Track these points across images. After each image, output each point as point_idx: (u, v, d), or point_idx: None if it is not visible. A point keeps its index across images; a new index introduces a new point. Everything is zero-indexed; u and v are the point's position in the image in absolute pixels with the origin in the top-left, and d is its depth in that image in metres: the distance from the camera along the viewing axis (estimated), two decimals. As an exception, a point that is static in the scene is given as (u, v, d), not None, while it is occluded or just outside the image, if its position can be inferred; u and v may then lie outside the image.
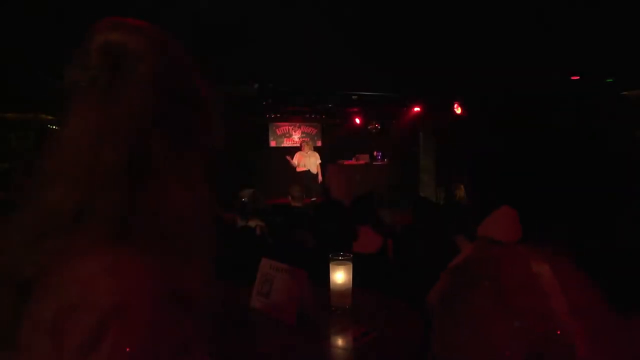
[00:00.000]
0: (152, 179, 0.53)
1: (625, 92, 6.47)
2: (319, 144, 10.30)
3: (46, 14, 3.77)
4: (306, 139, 9.35)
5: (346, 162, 9.04)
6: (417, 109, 8.74)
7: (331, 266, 1.51)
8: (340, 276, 1.50)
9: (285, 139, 10.34)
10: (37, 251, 0.49)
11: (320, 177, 8.40)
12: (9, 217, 0.53)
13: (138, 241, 0.51)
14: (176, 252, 0.53)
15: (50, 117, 7.76)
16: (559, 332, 0.48)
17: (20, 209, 0.53)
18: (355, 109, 9.75)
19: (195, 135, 0.59)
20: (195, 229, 0.55)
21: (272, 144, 10.25)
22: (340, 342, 1.31)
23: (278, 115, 9.98)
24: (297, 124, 10.38)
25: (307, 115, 10.17)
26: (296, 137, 10.27)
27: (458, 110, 7.71)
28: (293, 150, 8.76)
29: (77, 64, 0.55)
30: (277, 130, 10.29)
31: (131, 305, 0.47)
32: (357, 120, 10.05)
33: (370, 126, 10.01)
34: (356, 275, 1.52)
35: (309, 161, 8.30)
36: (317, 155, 8.48)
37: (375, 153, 9.37)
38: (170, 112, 0.56)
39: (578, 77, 5.93)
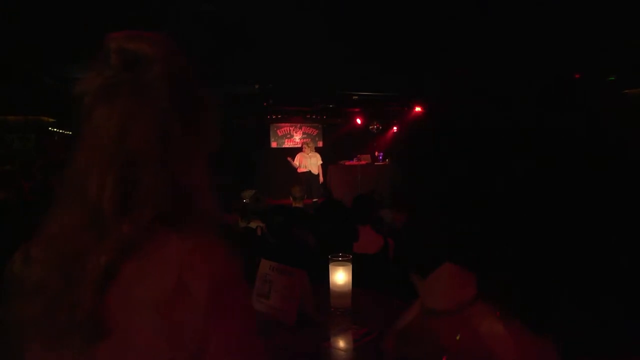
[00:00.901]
0: (178, 164, 0.61)
1: (627, 91, 6.45)
2: (320, 144, 10.31)
3: (47, 17, 3.78)
4: (307, 140, 9.36)
5: (347, 163, 9.04)
6: (418, 108, 8.73)
7: (331, 267, 1.51)
8: (340, 277, 1.50)
9: (286, 139, 10.35)
10: (102, 239, 0.55)
11: (321, 178, 8.40)
12: (54, 211, 0.60)
13: (187, 220, 0.58)
14: (212, 230, 0.60)
15: (51, 120, 7.79)
16: None
17: (62, 202, 0.60)
18: (356, 109, 9.76)
19: (200, 127, 0.66)
20: (213, 207, 0.63)
21: (273, 144, 10.27)
22: (340, 343, 1.31)
23: (279, 116, 10.00)
24: (298, 125, 10.39)
25: (308, 116, 10.18)
26: (297, 138, 10.28)
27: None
28: (294, 151, 8.77)
29: (94, 70, 0.62)
30: (278, 131, 10.31)
31: (228, 270, 0.56)
32: (359, 121, 10.05)
33: (372, 126, 10.01)
34: (357, 276, 1.52)
35: (310, 162, 8.31)
36: (318, 156, 8.49)
37: (376, 153, 9.37)
38: (181, 105, 0.63)
39: (579, 76, 5.90)
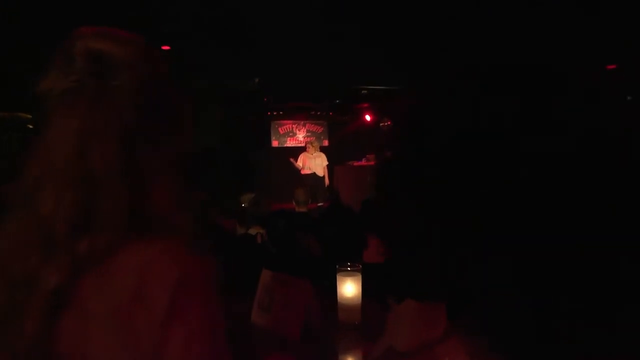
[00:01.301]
0: (142, 180, 0.60)
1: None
2: (326, 143, 10.31)
3: (25, 12, 3.83)
4: (311, 139, 9.37)
5: (356, 164, 9.02)
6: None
7: (338, 278, 1.51)
8: (348, 289, 1.50)
9: (288, 138, 10.36)
10: (52, 261, 0.55)
11: (327, 181, 8.40)
12: (3, 225, 0.60)
13: (152, 229, 0.59)
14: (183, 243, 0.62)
15: (29, 116, 7.87)
16: None
17: (11, 216, 0.59)
18: (365, 105, 9.75)
19: (169, 137, 0.67)
20: (184, 224, 0.64)
21: (274, 144, 10.28)
22: (349, 360, 1.31)
23: (280, 112, 10.01)
24: (302, 122, 10.40)
25: (313, 112, 10.19)
26: (300, 137, 10.29)
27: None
28: (297, 151, 8.78)
29: (58, 69, 0.61)
30: (279, 128, 10.32)
31: (195, 275, 0.58)
32: (368, 117, 10.04)
33: (382, 123, 9.99)
34: (367, 287, 1.52)
35: (314, 163, 8.31)
36: (323, 156, 8.48)
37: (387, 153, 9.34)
38: (150, 118, 0.63)
39: (614, 67, 5.87)
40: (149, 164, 0.62)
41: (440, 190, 0.38)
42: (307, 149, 8.43)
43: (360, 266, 1.54)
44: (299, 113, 10.18)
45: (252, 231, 3.19)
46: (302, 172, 8.28)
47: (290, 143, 10.29)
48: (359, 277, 1.51)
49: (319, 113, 10.21)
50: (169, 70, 0.68)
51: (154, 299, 0.54)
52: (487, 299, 0.36)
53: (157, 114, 0.64)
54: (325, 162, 8.45)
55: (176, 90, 0.69)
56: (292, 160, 8.40)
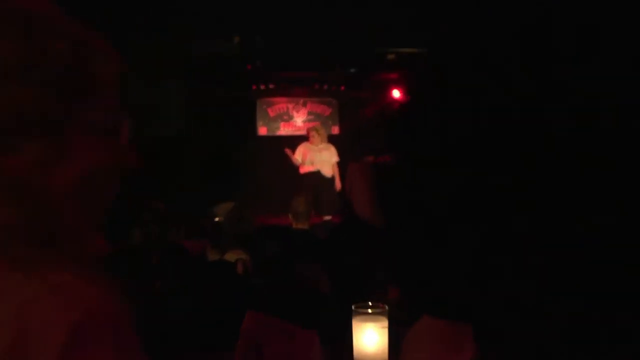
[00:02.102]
0: (39, 188, 0.62)
1: None
2: (336, 130, 10.32)
3: None
4: (315, 124, 9.36)
5: (380, 159, 9.02)
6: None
7: (355, 322, 1.52)
8: (370, 338, 1.50)
9: (282, 123, 10.40)
10: None
11: (338, 184, 8.39)
12: None
13: (47, 257, 0.61)
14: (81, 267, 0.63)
15: None
16: None
17: None
18: (393, 76, 9.74)
19: (95, 129, 0.69)
20: (95, 248, 0.68)
21: (262, 131, 10.31)
22: None
23: (270, 86, 10.03)
24: (301, 100, 10.43)
25: (317, 87, 10.19)
26: (299, 121, 10.32)
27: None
28: (295, 141, 8.77)
29: None
30: (268, 109, 10.36)
31: (103, 321, 0.60)
32: (397, 93, 10.03)
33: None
34: (396, 336, 1.52)
35: (319, 157, 8.28)
36: (332, 149, 8.45)
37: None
38: (63, 103, 0.64)
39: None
40: (53, 165, 0.63)
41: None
42: (310, 139, 8.37)
43: (386, 307, 1.54)
44: (297, 87, 10.18)
45: (231, 257, 3.20)
46: (302, 169, 8.21)
47: (284, 130, 10.31)
48: (385, 323, 1.51)
49: (326, 87, 10.21)
50: (101, 42, 0.70)
51: (38, 355, 0.55)
52: (526, 322, 0.37)
53: (76, 98, 0.66)
54: (335, 158, 8.39)
55: (111, 68, 0.71)
56: (288, 152, 8.32)
